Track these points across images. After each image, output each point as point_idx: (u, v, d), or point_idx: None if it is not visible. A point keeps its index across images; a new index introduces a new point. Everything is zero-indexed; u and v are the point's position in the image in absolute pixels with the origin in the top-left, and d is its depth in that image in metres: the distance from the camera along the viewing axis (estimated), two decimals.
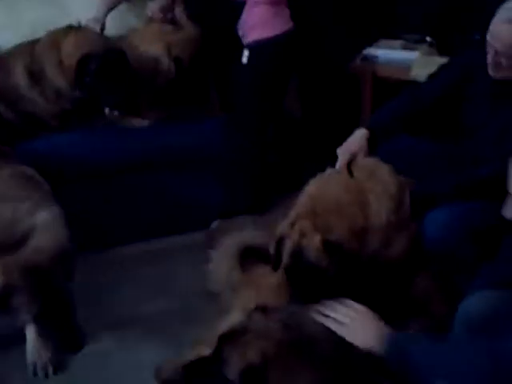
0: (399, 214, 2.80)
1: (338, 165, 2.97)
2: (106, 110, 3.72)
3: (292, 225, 2.65)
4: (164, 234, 3.84)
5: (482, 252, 2.77)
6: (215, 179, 3.83)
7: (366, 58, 4.12)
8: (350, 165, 2.91)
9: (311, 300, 2.54)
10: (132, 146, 3.74)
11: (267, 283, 2.77)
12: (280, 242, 2.69)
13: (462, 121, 3.07)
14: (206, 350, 2.36)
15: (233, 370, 2.18)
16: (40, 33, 3.73)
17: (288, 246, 2.65)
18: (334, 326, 2.36)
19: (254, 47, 3.67)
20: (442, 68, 3.17)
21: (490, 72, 2.86)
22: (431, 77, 3.17)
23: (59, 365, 2.97)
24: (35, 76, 3.64)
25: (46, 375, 2.93)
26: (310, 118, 4.46)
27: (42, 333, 2.94)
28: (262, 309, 2.39)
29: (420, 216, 2.86)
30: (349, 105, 4.29)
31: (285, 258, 2.65)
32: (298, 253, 2.60)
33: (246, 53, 3.71)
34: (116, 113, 3.73)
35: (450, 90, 3.07)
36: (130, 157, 3.72)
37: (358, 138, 3.04)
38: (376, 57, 4.11)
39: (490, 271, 2.50)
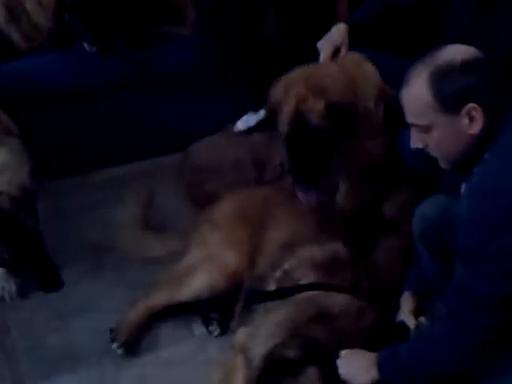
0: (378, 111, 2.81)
1: (321, 57, 2.90)
2: (86, 46, 3.65)
3: (286, 91, 2.60)
4: (144, 157, 3.81)
5: None
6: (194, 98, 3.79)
7: None
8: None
9: (312, 177, 2.60)
10: (108, 68, 3.65)
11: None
12: (275, 108, 2.65)
13: (440, 33, 2.99)
14: None
15: None
16: None
17: (286, 112, 2.61)
18: None
19: None
20: None
21: None
22: None
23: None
24: (13, 11, 3.58)
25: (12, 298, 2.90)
26: (287, 39, 4.38)
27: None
28: None
29: (394, 131, 2.85)
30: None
31: (283, 126, 2.59)
32: (298, 118, 2.57)
33: None
34: (95, 48, 3.66)
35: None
36: (107, 78, 3.64)
37: (339, 31, 2.95)
38: None
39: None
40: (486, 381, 2.13)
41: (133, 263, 3.09)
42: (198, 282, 2.75)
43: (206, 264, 2.78)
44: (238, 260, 2.75)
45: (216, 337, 2.76)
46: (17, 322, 2.84)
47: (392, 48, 3.14)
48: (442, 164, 2.16)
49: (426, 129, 2.06)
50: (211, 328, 2.79)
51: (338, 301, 2.35)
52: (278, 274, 2.58)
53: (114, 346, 2.69)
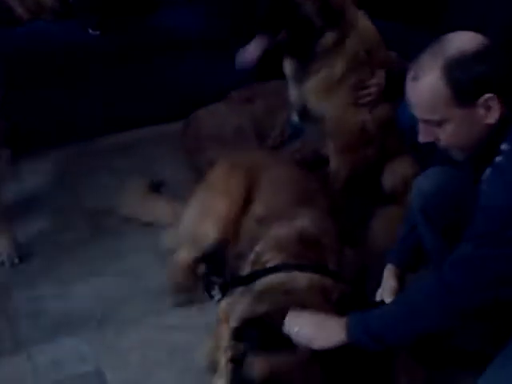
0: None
1: None
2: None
3: None
4: (140, 125, 3.80)
5: None
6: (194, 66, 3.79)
7: None
8: None
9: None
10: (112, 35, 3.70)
11: None
12: None
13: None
14: None
15: None
16: None
17: None
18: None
19: None
20: None
21: None
22: None
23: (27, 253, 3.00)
24: None
25: (13, 264, 2.95)
26: None
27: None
28: None
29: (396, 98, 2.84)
30: None
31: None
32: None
33: None
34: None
35: None
36: (101, 44, 3.67)
37: None
38: None
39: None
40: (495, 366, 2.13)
41: (132, 228, 3.11)
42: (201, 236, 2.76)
43: (202, 217, 2.78)
44: (230, 208, 2.73)
45: (218, 301, 2.77)
46: (18, 286, 2.86)
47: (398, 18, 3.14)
48: (455, 155, 2.10)
49: (439, 123, 1.99)
50: (213, 293, 2.80)
51: (299, 281, 2.27)
52: (252, 256, 2.56)
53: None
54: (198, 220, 2.78)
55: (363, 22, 2.93)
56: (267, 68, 3.20)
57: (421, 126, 2.05)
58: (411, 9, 3.13)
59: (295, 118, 3.13)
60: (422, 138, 2.07)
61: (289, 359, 2.03)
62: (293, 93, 3.04)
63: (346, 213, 2.80)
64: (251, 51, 2.87)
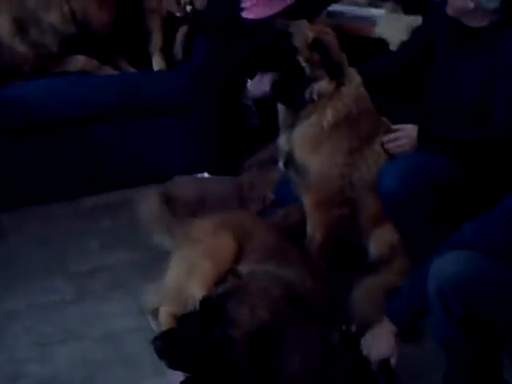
0: None
1: None
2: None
3: None
4: (125, 186, 3.81)
5: (441, 205, 2.84)
6: (180, 130, 3.84)
7: (332, 14, 4.10)
8: None
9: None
10: (94, 96, 3.71)
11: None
12: None
13: (429, 78, 3.14)
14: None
15: (241, 329, 2.04)
16: None
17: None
18: None
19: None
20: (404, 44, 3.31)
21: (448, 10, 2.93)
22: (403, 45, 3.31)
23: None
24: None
25: None
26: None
27: None
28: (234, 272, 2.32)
29: None
30: None
31: None
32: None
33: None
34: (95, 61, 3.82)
35: (416, 60, 3.19)
36: (92, 107, 3.69)
37: None
38: (341, 13, 4.10)
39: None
40: None
41: (116, 291, 3.11)
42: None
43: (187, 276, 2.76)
44: (217, 268, 2.70)
45: None
46: None
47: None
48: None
49: None
50: None
51: None
52: None
53: None
54: (184, 278, 2.76)
55: (357, 79, 3.01)
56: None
57: None
58: (398, 84, 3.27)
59: (280, 164, 3.14)
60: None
61: None
62: (281, 138, 3.08)
63: (326, 282, 2.77)
64: (263, 81, 2.94)
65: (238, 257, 2.73)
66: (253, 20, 3.61)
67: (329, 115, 2.93)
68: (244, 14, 3.65)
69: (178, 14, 3.93)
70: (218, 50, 3.75)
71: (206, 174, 3.80)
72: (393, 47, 3.53)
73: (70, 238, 3.47)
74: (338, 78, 2.92)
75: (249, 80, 3.12)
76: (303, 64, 2.90)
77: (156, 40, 4.00)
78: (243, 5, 3.66)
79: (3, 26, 3.70)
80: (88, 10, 3.72)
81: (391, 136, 2.96)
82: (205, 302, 2.14)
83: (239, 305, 2.07)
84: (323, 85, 2.91)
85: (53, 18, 3.71)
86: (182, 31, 3.98)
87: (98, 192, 3.78)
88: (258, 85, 2.98)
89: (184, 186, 3.56)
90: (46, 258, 3.33)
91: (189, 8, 3.88)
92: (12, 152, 3.64)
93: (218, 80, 3.75)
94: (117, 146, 3.80)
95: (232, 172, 3.76)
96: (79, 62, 3.82)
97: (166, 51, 3.99)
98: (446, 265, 2.12)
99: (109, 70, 3.86)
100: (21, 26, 3.72)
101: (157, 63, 3.95)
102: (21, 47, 3.74)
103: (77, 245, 3.42)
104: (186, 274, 2.76)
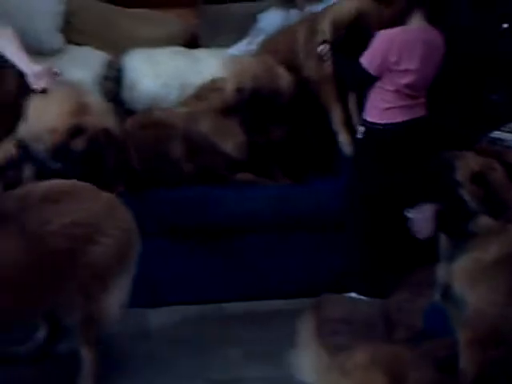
0: None
1: None
2: None
3: None
4: (272, 297, 3.85)
5: None
6: (331, 246, 3.85)
7: (493, 141, 4.05)
8: None
9: None
10: (248, 206, 3.82)
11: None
12: None
13: None
14: None
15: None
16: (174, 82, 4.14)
17: None
18: None
19: (371, 128, 3.66)
20: None
21: None
22: None
23: None
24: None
25: None
26: None
27: None
28: None
29: None
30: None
31: None
32: None
33: (361, 128, 3.71)
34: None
35: None
36: (245, 217, 3.80)
37: None
38: (504, 140, 4.04)
39: None
40: None
41: None
42: None
43: None
44: None
45: None
46: None
47: None
48: None
49: None
50: None
51: None
52: None
53: None
54: None
55: None
56: None
57: None
58: None
59: (437, 295, 3.05)
60: None
61: None
62: (440, 269, 3.00)
63: None
64: (425, 212, 2.92)
65: None
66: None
67: (492, 251, 2.84)
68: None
69: None
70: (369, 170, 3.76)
71: (353, 294, 3.75)
72: None
73: (213, 343, 3.48)
74: (499, 216, 2.84)
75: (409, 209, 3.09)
76: (466, 198, 2.85)
77: (336, 114, 3.94)
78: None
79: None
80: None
81: None
82: None
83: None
84: (488, 220, 2.84)
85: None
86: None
87: (244, 299, 3.81)
88: (421, 218, 2.95)
89: (331, 304, 3.52)
90: (188, 361, 3.34)
91: None
92: (165, 250, 3.75)
93: (372, 199, 3.75)
94: (267, 256, 3.86)
95: (380, 294, 3.69)
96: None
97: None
98: None
99: (264, 182, 3.94)
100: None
101: (343, 139, 3.89)
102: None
103: (220, 351, 3.41)
104: None
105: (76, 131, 3.36)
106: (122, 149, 3.68)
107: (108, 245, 2.94)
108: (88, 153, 3.35)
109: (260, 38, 4.29)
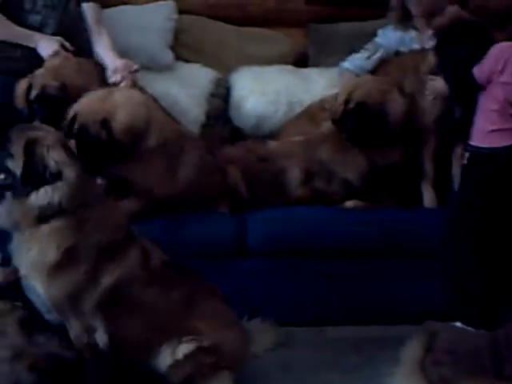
0: None
1: None
2: None
3: None
4: (371, 323, 3.77)
5: None
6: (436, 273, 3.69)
7: None
8: None
9: None
10: (354, 230, 3.77)
11: None
12: None
13: None
14: None
15: None
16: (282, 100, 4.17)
17: None
18: None
19: (476, 153, 3.48)
20: None
21: None
22: None
23: None
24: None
25: None
26: None
27: None
28: None
29: None
30: None
31: None
32: None
33: (466, 154, 3.55)
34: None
35: None
36: (351, 241, 3.75)
37: None
38: None
39: None
40: None
41: None
42: None
43: None
44: None
45: None
46: None
47: None
48: None
49: None
50: None
51: None
52: None
53: None
54: None
55: None
56: None
57: None
58: None
59: None
60: None
61: None
62: None
63: None
64: None
65: None
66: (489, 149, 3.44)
67: None
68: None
69: None
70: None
71: (458, 324, 3.61)
72: None
73: (310, 367, 3.41)
74: None
75: None
76: None
77: (428, 172, 3.89)
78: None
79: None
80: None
81: None
82: None
83: None
84: None
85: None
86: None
87: (344, 324, 3.74)
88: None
89: (436, 333, 3.39)
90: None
91: None
92: (270, 271, 3.75)
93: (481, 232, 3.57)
94: (370, 281, 3.79)
95: (489, 325, 3.53)
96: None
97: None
98: None
99: (370, 205, 3.87)
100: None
101: (427, 198, 3.85)
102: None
103: (317, 376, 3.33)
104: None
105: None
106: (223, 171, 3.72)
107: None
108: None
109: (378, 55, 4.22)
